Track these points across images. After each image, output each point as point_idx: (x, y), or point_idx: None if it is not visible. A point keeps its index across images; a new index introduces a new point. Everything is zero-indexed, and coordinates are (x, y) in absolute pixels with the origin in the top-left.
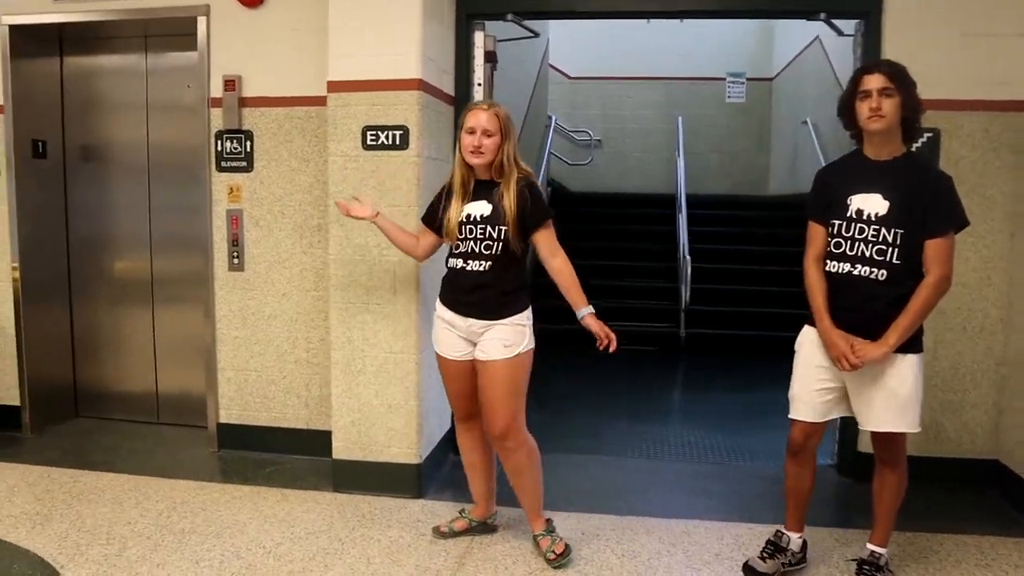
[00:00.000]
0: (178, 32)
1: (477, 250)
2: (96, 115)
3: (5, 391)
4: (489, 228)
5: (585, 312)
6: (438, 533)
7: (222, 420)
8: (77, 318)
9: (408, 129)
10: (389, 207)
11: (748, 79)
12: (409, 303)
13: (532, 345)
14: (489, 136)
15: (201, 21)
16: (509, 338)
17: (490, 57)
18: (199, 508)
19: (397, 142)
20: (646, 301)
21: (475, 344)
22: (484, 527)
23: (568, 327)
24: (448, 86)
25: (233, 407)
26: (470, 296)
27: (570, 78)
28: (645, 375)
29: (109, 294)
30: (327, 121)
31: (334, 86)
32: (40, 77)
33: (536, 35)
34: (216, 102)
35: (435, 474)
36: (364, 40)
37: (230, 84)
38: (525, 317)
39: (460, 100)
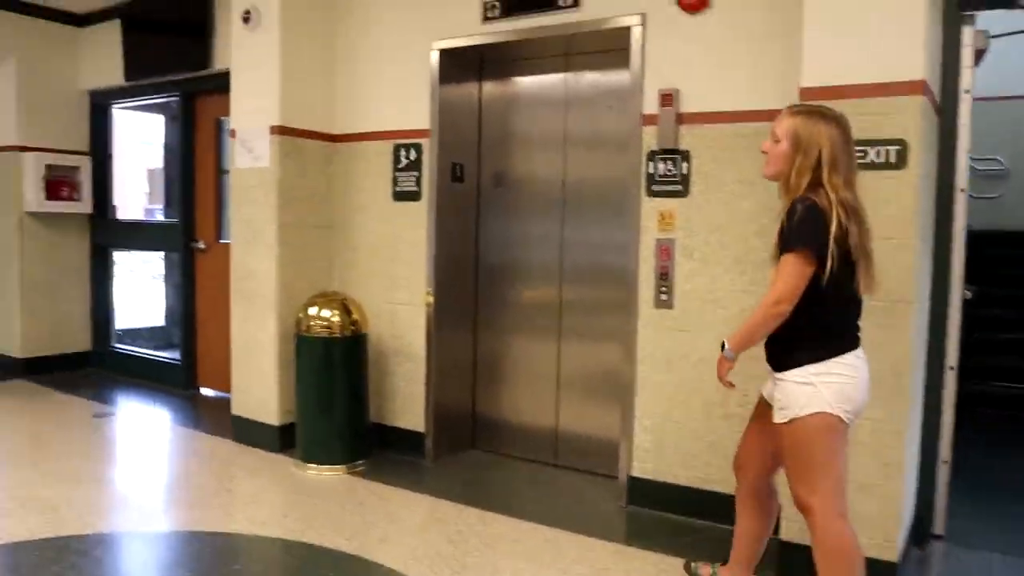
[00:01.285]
0: (604, 48)
1: None
2: (511, 140)
3: (413, 416)
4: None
5: (725, 353)
6: None
7: (634, 473)
8: (480, 347)
9: (907, 144)
10: (879, 240)
11: None
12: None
13: (823, 409)
14: (776, 142)
15: (636, 31)
16: (783, 399)
17: (979, 58)
18: None
19: (892, 160)
20: None
21: None
22: None
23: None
24: (934, 92)
25: (648, 459)
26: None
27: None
28: None
29: (513, 325)
30: None
31: (808, 94)
32: (461, 101)
33: None
34: (649, 120)
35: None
36: (848, 37)
37: (667, 98)
38: (809, 373)
39: (947, 111)
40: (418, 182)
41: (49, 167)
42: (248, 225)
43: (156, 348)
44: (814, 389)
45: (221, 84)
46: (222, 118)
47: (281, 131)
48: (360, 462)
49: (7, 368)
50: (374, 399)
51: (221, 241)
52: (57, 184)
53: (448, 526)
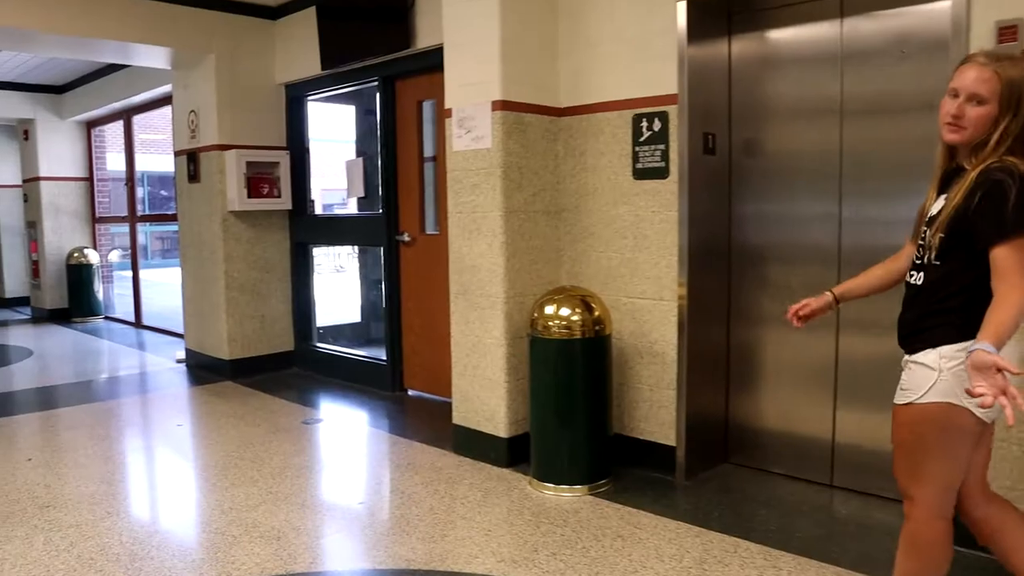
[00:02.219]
0: None
1: (919, 259)
2: (767, 104)
3: (659, 427)
4: (929, 231)
5: (978, 347)
6: None
7: None
8: (733, 345)
9: None
10: None
11: None
12: None
13: (949, 399)
14: (979, 104)
15: None
16: (908, 380)
17: None
18: None
19: None
20: None
21: None
22: None
23: None
24: None
25: None
26: (900, 317)
27: None
28: None
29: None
30: None
31: None
32: (710, 59)
33: None
34: None
35: None
36: None
37: (1008, 33)
38: (938, 356)
39: None
40: (664, 156)
41: (250, 164)
42: (468, 214)
43: (354, 345)
44: (939, 374)
45: (424, 64)
46: (424, 101)
47: (503, 106)
48: (603, 481)
49: (216, 370)
50: (614, 408)
51: (426, 232)
52: (257, 181)
53: (710, 568)
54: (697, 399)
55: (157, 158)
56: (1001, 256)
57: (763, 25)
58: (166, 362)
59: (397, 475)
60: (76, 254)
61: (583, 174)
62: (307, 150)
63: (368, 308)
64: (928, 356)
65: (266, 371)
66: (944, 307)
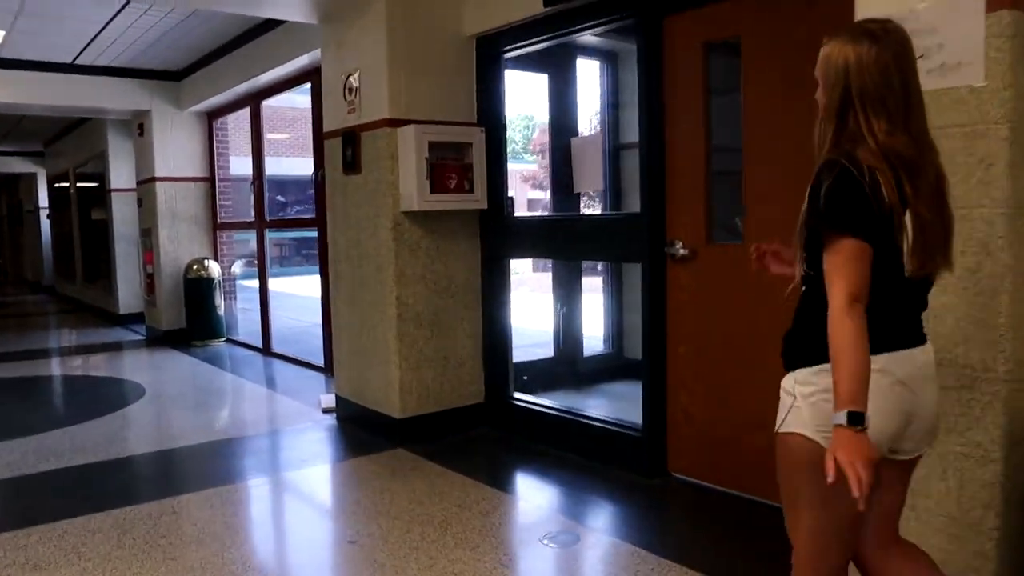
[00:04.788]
0: None
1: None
2: None
3: None
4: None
5: (837, 419)
6: None
7: None
8: None
9: None
10: None
11: None
12: None
13: (805, 431)
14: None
15: None
16: (780, 404)
17: None
18: None
19: None
20: None
21: None
22: None
23: None
24: None
25: None
26: None
27: None
28: None
29: None
30: None
31: None
32: None
33: None
34: None
35: None
36: None
37: None
38: (810, 375)
39: None
40: None
41: (433, 147)
42: None
43: (555, 391)
44: (795, 402)
45: None
46: (714, 42)
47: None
48: None
49: (381, 430)
50: None
51: (715, 242)
52: (442, 170)
53: None
54: None
55: (273, 160)
56: (827, 262)
57: None
58: (308, 411)
59: None
60: (195, 266)
61: None
62: (504, 127)
63: (582, 337)
64: (786, 380)
65: (448, 433)
66: (804, 323)
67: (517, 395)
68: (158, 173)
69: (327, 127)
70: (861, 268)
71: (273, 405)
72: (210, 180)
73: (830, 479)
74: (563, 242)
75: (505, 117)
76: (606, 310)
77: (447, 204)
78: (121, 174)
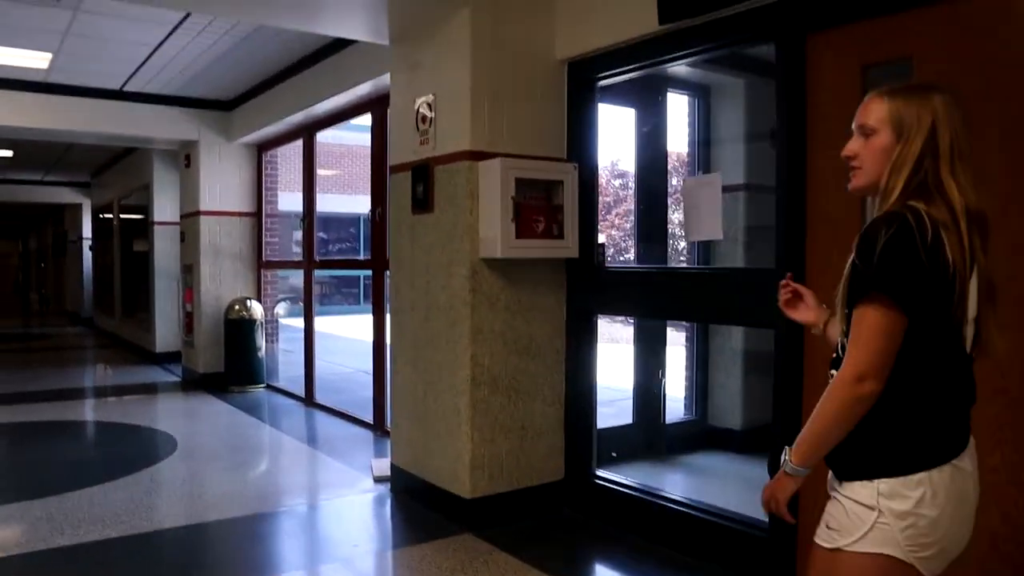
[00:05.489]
0: None
1: (835, 352)
2: None
3: None
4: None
5: (785, 467)
6: None
7: None
8: None
9: None
10: None
11: None
12: None
13: (886, 550)
14: (869, 135)
15: None
16: (836, 516)
17: None
18: None
19: None
20: None
21: None
22: None
23: None
24: None
25: None
26: None
27: None
28: None
29: None
30: None
31: None
32: None
33: None
34: None
35: None
36: None
37: None
38: (878, 490)
39: None
40: None
41: (518, 184)
42: None
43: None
44: (878, 516)
45: None
46: (874, 66)
47: None
48: None
49: (446, 509)
50: None
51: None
52: (528, 212)
53: None
54: None
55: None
56: (854, 320)
57: None
58: (358, 477)
59: None
60: (237, 307)
61: None
62: (596, 165)
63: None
64: (861, 489)
65: (524, 516)
66: (874, 418)
67: (601, 473)
68: (203, 207)
69: (393, 160)
70: (888, 346)
71: (317, 468)
72: (256, 216)
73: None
74: (668, 299)
75: (597, 153)
76: (688, 368)
77: (534, 251)
78: (165, 207)
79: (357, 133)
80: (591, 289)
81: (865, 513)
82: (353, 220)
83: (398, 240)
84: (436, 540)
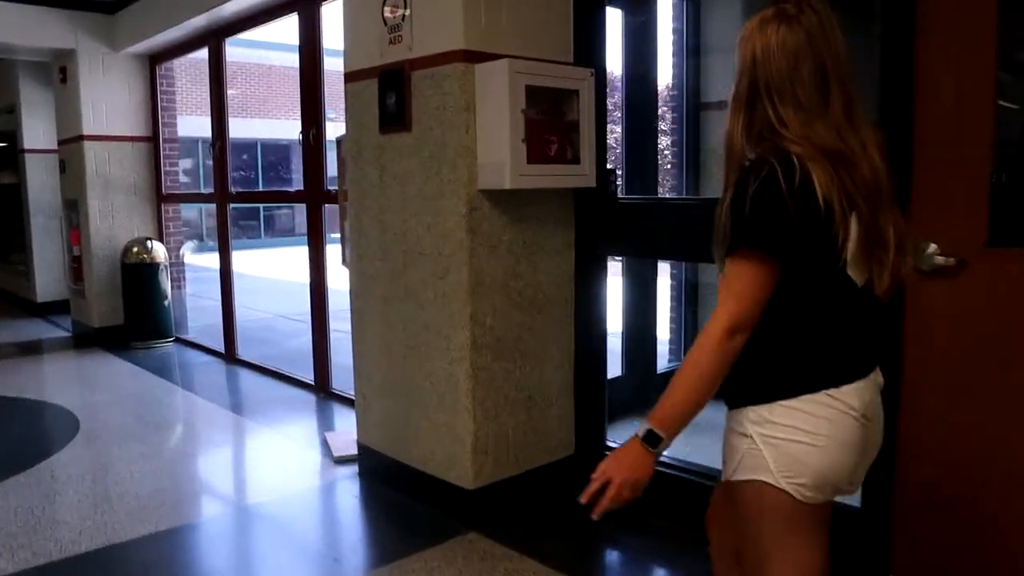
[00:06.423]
0: None
1: None
2: None
3: None
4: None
5: (637, 431)
6: None
7: None
8: None
9: None
10: None
11: None
12: None
13: (759, 476)
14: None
15: None
16: (723, 449)
17: None
18: None
19: None
20: None
21: None
22: None
23: None
24: None
25: None
26: None
27: None
28: None
29: None
30: None
31: None
32: None
33: None
34: None
35: None
36: None
37: None
38: (760, 416)
39: None
40: None
41: (529, 94)
42: None
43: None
44: (750, 444)
45: None
46: None
47: None
48: None
49: (447, 506)
50: None
51: (996, 247)
52: (538, 131)
53: None
54: None
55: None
56: (728, 270)
57: None
58: (309, 457)
59: None
60: (136, 248)
61: None
62: (604, 71)
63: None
64: (746, 415)
65: (536, 502)
66: (749, 352)
67: (613, 445)
68: (86, 130)
69: (350, 66)
70: (761, 296)
71: (260, 448)
72: (153, 140)
73: (584, 499)
74: (701, 237)
75: (605, 59)
76: (675, 307)
77: (547, 180)
78: (37, 131)
79: (245, 48)
80: (605, 226)
81: (739, 440)
82: (248, 145)
83: (359, 167)
84: (437, 545)
